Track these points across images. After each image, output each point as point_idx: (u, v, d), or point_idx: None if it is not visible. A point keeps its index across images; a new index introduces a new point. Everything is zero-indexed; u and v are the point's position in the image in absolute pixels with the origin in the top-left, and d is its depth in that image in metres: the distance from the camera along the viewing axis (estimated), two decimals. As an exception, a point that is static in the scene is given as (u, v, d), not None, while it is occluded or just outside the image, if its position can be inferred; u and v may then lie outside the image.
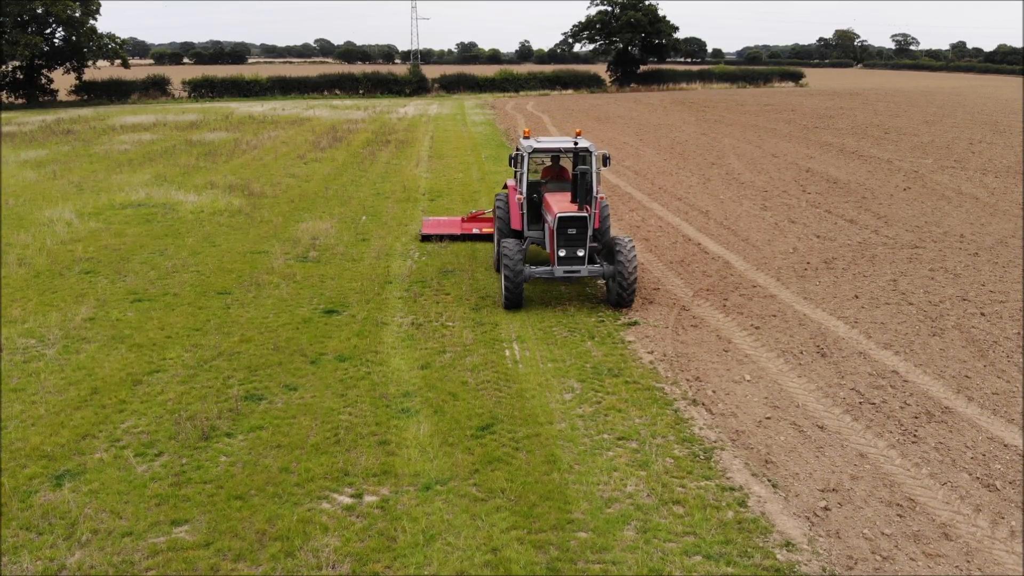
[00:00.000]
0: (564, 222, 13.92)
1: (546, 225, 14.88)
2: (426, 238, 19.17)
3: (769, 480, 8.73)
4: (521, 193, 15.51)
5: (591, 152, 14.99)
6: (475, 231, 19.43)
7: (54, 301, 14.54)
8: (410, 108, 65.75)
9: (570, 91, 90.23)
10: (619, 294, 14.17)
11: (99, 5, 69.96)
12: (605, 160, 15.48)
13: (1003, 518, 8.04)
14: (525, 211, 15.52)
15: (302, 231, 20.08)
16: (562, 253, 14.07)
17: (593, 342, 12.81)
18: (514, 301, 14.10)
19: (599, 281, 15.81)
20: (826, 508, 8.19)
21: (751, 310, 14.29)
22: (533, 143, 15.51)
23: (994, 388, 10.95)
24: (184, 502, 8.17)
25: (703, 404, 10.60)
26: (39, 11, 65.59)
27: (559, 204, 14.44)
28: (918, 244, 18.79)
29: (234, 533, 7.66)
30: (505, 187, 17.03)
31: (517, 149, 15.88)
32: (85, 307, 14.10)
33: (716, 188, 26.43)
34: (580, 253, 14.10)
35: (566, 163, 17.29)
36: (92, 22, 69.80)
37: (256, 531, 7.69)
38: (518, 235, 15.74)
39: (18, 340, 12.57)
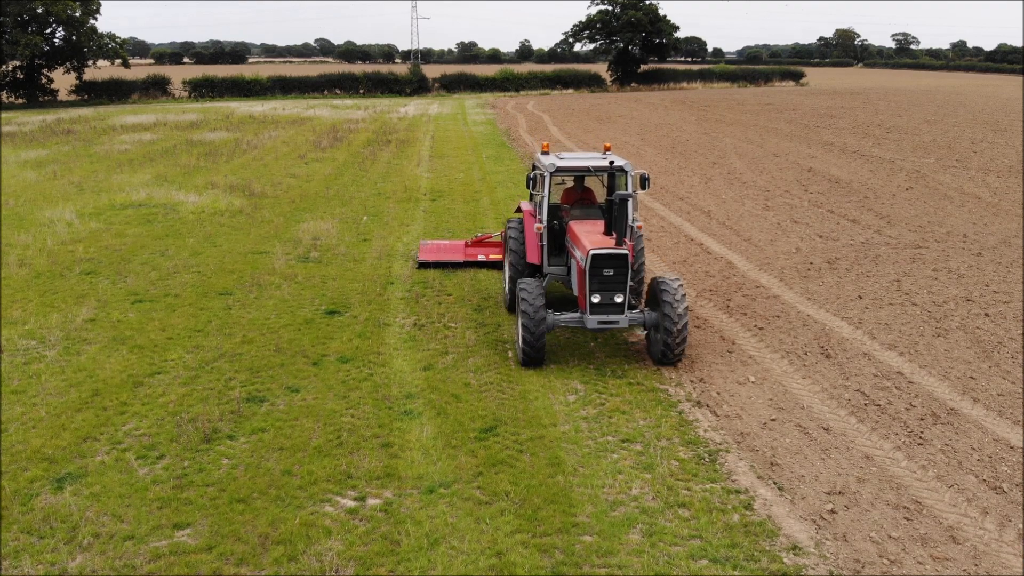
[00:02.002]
0: (599, 260, 11.19)
1: (572, 261, 12.35)
2: (424, 265, 16.98)
3: (775, 483, 8.68)
4: (540, 221, 12.98)
5: (627, 172, 12.53)
6: (480, 258, 17.25)
7: (55, 302, 14.49)
8: (410, 108, 65.72)
9: (571, 91, 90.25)
10: (665, 345, 11.51)
11: (99, 5, 70.13)
12: (644, 182, 12.87)
13: (1010, 521, 7.99)
14: (545, 243, 13.13)
15: (303, 231, 20.02)
16: (596, 299, 11.35)
17: (596, 343, 12.75)
18: (534, 357, 11.45)
19: (638, 331, 13.15)
20: (832, 511, 8.14)
21: (754, 311, 14.22)
22: (555, 160, 12.82)
23: (999, 389, 10.89)
24: (186, 505, 8.12)
25: (707, 406, 10.55)
26: (39, 11, 65.61)
27: (590, 237, 11.71)
28: (921, 244, 18.72)
29: (236, 537, 7.61)
30: (518, 210, 14.48)
31: (534, 167, 13.51)
32: (86, 308, 14.05)
33: (718, 188, 26.38)
34: (618, 299, 11.35)
35: (591, 182, 14.45)
36: (92, 22, 70.00)
37: (259, 535, 7.64)
38: (536, 270, 13.33)
39: (19, 341, 12.52)
